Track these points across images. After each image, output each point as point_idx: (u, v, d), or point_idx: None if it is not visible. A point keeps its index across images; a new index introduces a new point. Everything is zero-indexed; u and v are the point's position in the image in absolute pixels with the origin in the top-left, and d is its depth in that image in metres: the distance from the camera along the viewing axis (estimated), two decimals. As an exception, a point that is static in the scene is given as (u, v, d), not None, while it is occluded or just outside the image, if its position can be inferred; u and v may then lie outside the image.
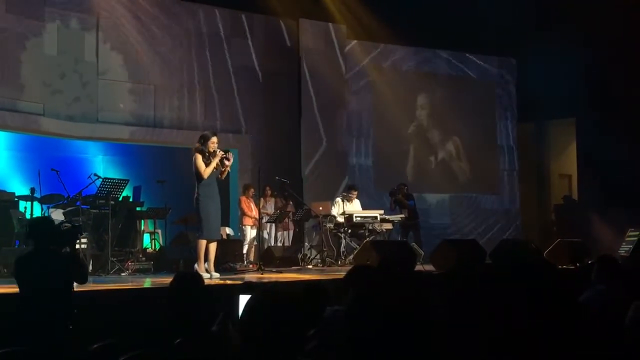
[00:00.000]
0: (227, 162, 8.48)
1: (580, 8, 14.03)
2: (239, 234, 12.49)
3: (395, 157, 15.77)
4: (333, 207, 12.29)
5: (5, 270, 8.60)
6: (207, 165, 8.33)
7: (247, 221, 12.23)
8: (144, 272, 9.80)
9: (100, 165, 13.18)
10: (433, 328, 2.09)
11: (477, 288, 2.77)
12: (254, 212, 12.19)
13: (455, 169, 16.53)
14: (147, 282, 8.50)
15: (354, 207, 12.35)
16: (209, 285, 7.26)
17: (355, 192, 12.58)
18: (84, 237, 9.15)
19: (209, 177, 8.34)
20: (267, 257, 11.11)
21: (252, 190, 12.32)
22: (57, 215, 9.58)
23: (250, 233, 12.16)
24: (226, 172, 8.67)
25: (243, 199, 12.35)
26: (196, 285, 4.03)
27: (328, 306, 3.67)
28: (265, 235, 12.45)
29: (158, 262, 10.22)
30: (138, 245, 10.79)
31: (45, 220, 5.48)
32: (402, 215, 12.48)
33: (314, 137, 14.64)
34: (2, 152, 12.17)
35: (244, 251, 11.74)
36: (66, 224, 5.41)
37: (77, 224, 5.62)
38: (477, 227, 16.08)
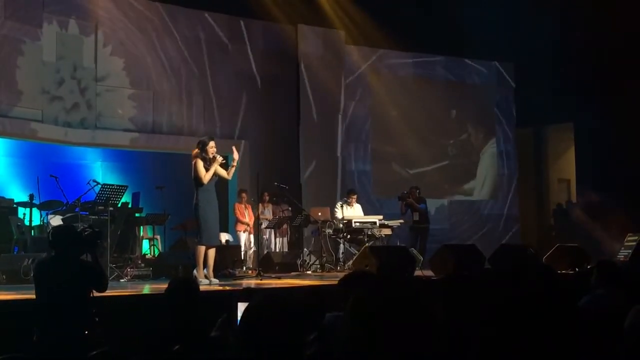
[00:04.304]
0: (234, 157, 8.53)
1: (578, 12, 14.08)
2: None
3: (394, 163, 15.78)
4: (336, 212, 12.27)
5: (4, 277, 8.59)
6: (207, 170, 8.34)
7: (240, 227, 12.26)
8: (143, 278, 9.77)
9: (99, 171, 13.18)
10: (432, 334, 2.08)
11: (476, 293, 2.77)
12: (247, 218, 12.22)
13: (452, 174, 16.55)
14: (146, 289, 8.48)
15: (356, 212, 12.34)
16: (209, 291, 7.26)
17: (355, 196, 12.57)
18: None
19: (208, 183, 8.35)
20: (266, 262, 11.11)
21: (244, 195, 12.35)
22: (56, 221, 9.57)
23: (244, 239, 12.17)
24: (233, 170, 8.68)
25: (236, 205, 12.38)
26: (191, 291, 4.03)
27: (327, 312, 3.67)
28: (265, 241, 12.45)
29: (157, 268, 10.19)
30: (137, 251, 10.78)
31: (68, 229, 5.50)
32: (401, 221, 12.46)
33: (312, 142, 14.64)
34: (0, 158, 12.16)
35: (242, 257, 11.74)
36: (87, 230, 5.42)
37: (97, 230, 5.62)
38: (476, 232, 16.08)
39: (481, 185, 16.80)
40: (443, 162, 16.42)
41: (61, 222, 9.54)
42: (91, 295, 5.06)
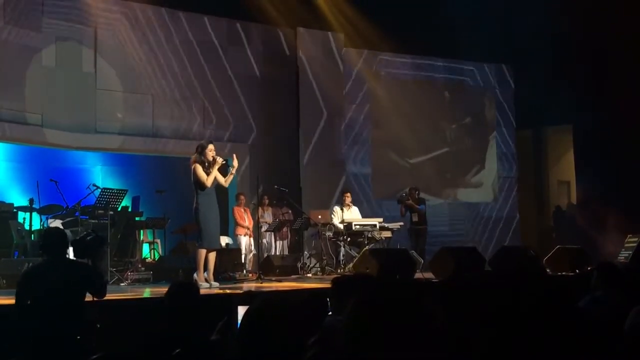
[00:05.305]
0: (234, 165, 8.52)
1: (577, 13, 14.10)
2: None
3: (394, 165, 15.78)
4: (333, 217, 12.27)
5: (4, 282, 8.58)
6: (207, 174, 8.34)
7: (240, 231, 12.24)
8: (143, 282, 9.78)
9: (99, 175, 13.17)
10: (432, 336, 2.08)
11: (477, 295, 2.77)
12: (247, 222, 12.21)
13: (451, 175, 16.55)
14: (147, 292, 8.48)
15: (353, 214, 12.32)
16: (209, 295, 7.26)
17: (349, 194, 12.52)
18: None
19: (208, 187, 8.36)
20: (266, 266, 11.11)
21: (242, 198, 12.34)
22: (56, 226, 9.56)
23: (244, 242, 12.16)
24: (231, 178, 8.70)
25: (235, 208, 12.36)
26: (191, 294, 4.02)
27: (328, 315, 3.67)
28: (265, 244, 12.44)
29: (157, 272, 10.19)
30: (137, 255, 10.78)
31: (57, 231, 5.46)
32: (401, 223, 12.46)
33: (312, 145, 14.64)
34: (0, 163, 12.16)
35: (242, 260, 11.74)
36: (91, 234, 5.38)
37: (101, 235, 5.59)
38: (476, 234, 16.07)
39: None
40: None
41: (61, 227, 9.53)
42: (90, 300, 5.01)
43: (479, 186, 16.81)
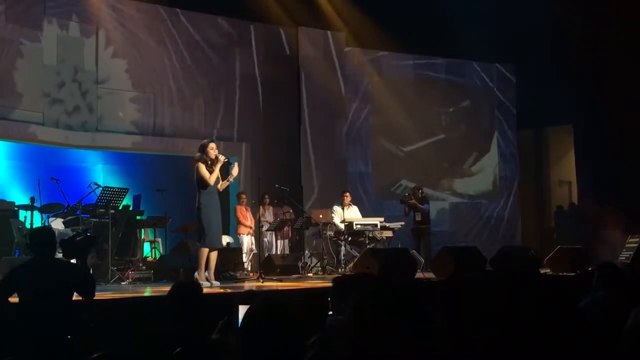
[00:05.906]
0: (233, 173, 8.53)
1: (578, 13, 14.10)
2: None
3: (395, 165, 15.78)
4: (334, 216, 12.27)
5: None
6: (210, 173, 8.35)
7: (243, 230, 12.23)
8: (144, 281, 9.79)
9: (100, 174, 13.18)
10: (432, 335, 2.09)
11: (477, 295, 2.77)
12: (249, 221, 12.21)
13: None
14: (148, 291, 8.48)
15: (352, 213, 12.32)
16: (209, 294, 7.26)
17: (348, 196, 12.52)
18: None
19: (211, 185, 8.37)
20: (267, 265, 11.11)
21: (244, 197, 12.34)
22: (57, 224, 9.58)
23: (246, 241, 12.16)
24: (227, 184, 8.72)
25: (238, 207, 12.35)
26: (194, 294, 4.02)
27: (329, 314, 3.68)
28: (266, 243, 12.45)
29: (158, 270, 10.21)
30: (138, 254, 10.78)
31: (45, 230, 5.42)
32: (402, 223, 12.45)
33: (313, 144, 14.64)
34: (1, 161, 12.17)
35: (243, 259, 11.74)
36: (81, 234, 5.33)
37: (91, 235, 5.56)
38: (477, 234, 16.06)
39: (481, 187, 16.76)
40: (443, 162, 16.39)
41: (62, 225, 9.54)
42: (87, 300, 4.98)
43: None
